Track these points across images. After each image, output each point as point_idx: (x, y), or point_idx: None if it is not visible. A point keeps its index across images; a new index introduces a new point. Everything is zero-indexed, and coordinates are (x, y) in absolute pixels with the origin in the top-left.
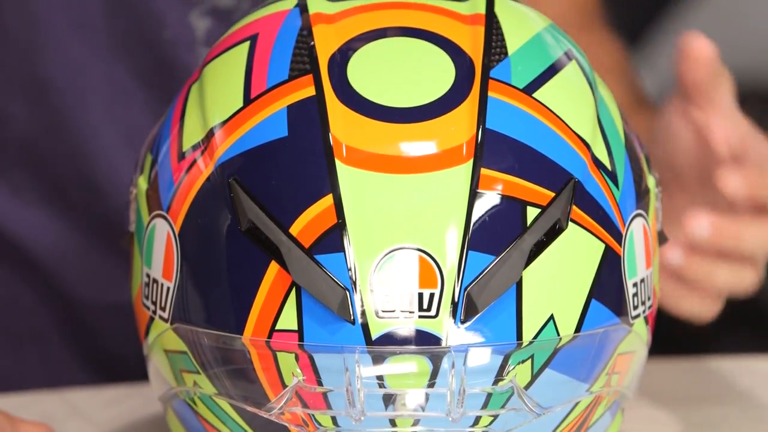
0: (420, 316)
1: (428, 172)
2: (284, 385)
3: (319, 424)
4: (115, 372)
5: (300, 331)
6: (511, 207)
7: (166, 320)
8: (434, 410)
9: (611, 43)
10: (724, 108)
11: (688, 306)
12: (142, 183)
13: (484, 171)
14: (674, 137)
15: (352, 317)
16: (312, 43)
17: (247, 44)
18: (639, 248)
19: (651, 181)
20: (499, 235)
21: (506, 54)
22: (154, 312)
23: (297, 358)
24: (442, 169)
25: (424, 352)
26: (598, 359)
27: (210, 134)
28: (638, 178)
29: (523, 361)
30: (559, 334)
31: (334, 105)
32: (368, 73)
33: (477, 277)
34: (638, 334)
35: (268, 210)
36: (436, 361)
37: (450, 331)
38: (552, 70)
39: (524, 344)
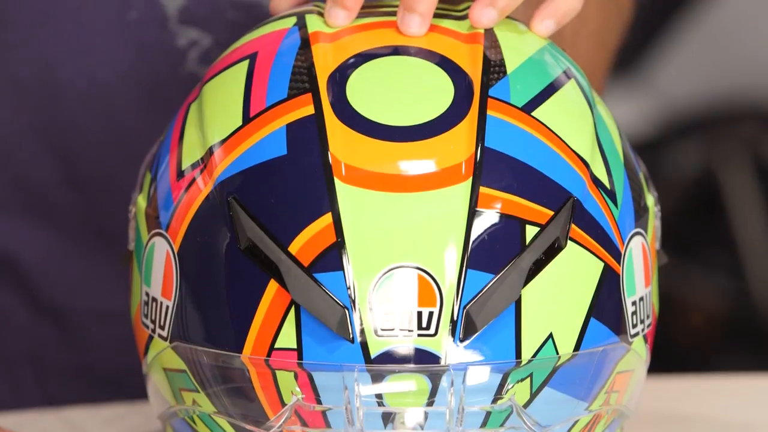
0: (419, 335)
1: (427, 190)
2: (283, 404)
3: None
4: (112, 385)
5: (299, 350)
6: (510, 225)
7: (165, 339)
8: (433, 429)
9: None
10: None
11: None
12: (141, 201)
13: (483, 189)
14: None
15: (351, 336)
16: (311, 61)
17: (246, 63)
18: (638, 267)
19: (650, 200)
20: (498, 254)
21: (505, 73)
22: (153, 330)
23: (296, 376)
24: (441, 188)
25: (423, 371)
26: (597, 378)
27: (209, 153)
28: (637, 196)
29: (522, 380)
30: (558, 353)
31: (333, 123)
32: (367, 91)
33: (476, 296)
34: (637, 353)
35: (267, 228)
36: (435, 379)
37: (449, 349)
38: (551, 89)
39: (523, 363)
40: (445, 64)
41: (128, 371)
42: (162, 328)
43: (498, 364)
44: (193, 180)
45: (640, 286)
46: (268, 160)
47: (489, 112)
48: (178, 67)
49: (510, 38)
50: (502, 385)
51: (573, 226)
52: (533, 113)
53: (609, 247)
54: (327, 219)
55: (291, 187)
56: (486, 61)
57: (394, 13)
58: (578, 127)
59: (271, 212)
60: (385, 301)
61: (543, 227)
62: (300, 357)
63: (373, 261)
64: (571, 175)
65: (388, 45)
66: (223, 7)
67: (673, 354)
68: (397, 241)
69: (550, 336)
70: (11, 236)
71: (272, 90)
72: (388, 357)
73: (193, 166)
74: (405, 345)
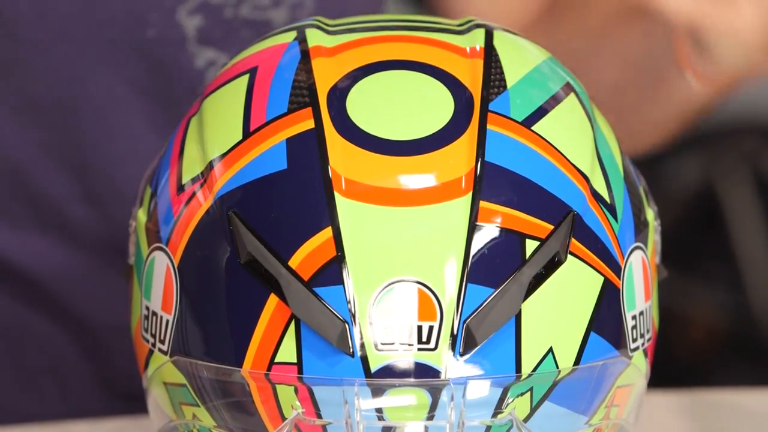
0: (419, 349)
1: (427, 204)
2: (283, 418)
3: None
4: (133, 397)
5: (299, 364)
6: (510, 240)
7: (165, 353)
8: None
9: None
10: None
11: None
12: (141, 216)
13: (483, 204)
14: None
15: (351, 350)
16: (311, 76)
17: (246, 77)
18: (638, 281)
19: (650, 214)
20: (498, 268)
21: (505, 87)
22: (154, 345)
23: (296, 390)
24: (441, 202)
25: (423, 385)
26: (597, 392)
27: (209, 167)
28: (637, 210)
29: (522, 394)
30: (558, 367)
31: (333, 138)
32: (367, 106)
33: (476, 310)
34: (637, 367)
35: (267, 243)
36: (435, 393)
37: (449, 363)
38: (551, 103)
39: (523, 377)
40: (445, 78)
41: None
42: (162, 342)
43: (498, 378)
44: (193, 194)
45: (640, 301)
46: (268, 174)
47: (489, 127)
48: (196, 87)
49: (510, 52)
50: (502, 400)
51: (573, 240)
52: (533, 127)
53: (609, 261)
54: (327, 233)
55: (291, 201)
56: (486, 75)
57: (393, 28)
58: (578, 142)
59: (271, 226)
60: (385, 316)
61: (543, 241)
62: (300, 371)
63: (373, 275)
64: (571, 190)
65: (388, 59)
66: (237, 26)
67: (673, 368)
68: (397, 256)
69: (550, 350)
70: (30, 252)
71: (272, 104)
72: (388, 371)
73: (193, 180)
74: (405, 359)
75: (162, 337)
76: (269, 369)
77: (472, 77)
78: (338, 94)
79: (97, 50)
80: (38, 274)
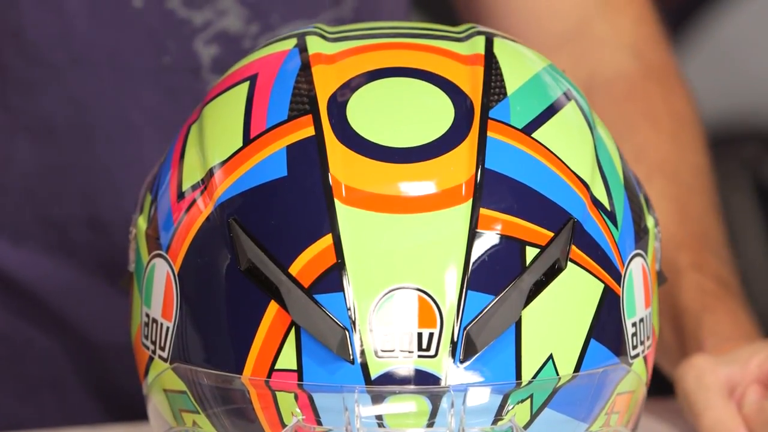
0: (419, 356)
1: (427, 212)
2: (284, 425)
3: None
4: (134, 413)
5: (299, 371)
6: (510, 247)
7: (165, 360)
8: None
9: (669, 116)
10: None
11: None
12: (142, 223)
13: (483, 211)
14: None
15: (351, 357)
16: (311, 83)
17: (246, 84)
18: (638, 288)
19: (650, 221)
20: (498, 275)
21: (505, 94)
22: (154, 352)
23: (296, 397)
24: (441, 209)
25: (423, 392)
26: (597, 399)
27: (209, 174)
28: (637, 218)
29: (523, 401)
30: (558, 374)
31: (333, 145)
32: (367, 113)
33: (476, 317)
34: (637, 374)
35: (267, 250)
36: (435, 400)
37: (449, 370)
38: (551, 110)
39: (523, 384)
40: (446, 85)
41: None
42: (162, 349)
43: (498, 386)
44: (194, 201)
45: (640, 308)
46: (269, 181)
47: (489, 134)
48: None
49: (510, 60)
50: (502, 407)
51: (573, 247)
52: (533, 135)
53: (609, 268)
54: (327, 240)
55: (291, 208)
56: (486, 82)
57: (394, 35)
58: (578, 149)
59: (271, 233)
60: (385, 323)
61: (543, 248)
62: (300, 378)
63: (373, 282)
64: (572, 197)
65: (389, 66)
66: None
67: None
68: (398, 263)
69: (551, 357)
70: (33, 269)
71: (272, 111)
72: (388, 378)
73: (194, 187)
74: (405, 366)
75: (162, 344)
76: (269, 376)
77: (472, 84)
78: (338, 102)
79: (113, 76)
80: (41, 291)
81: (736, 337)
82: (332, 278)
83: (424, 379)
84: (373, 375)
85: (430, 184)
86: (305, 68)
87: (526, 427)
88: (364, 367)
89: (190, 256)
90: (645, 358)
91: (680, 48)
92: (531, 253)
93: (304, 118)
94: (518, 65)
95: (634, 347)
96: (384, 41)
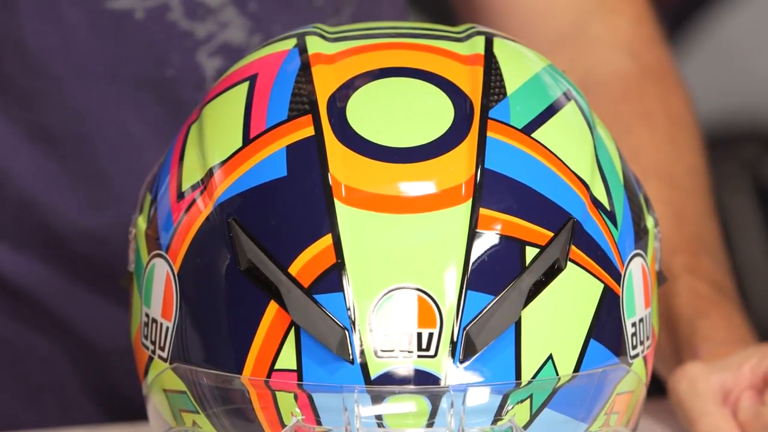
0: (419, 356)
1: (427, 212)
2: (283, 425)
3: None
4: (135, 417)
5: (299, 371)
6: (510, 247)
7: (165, 360)
8: None
9: (663, 117)
10: None
11: None
12: (141, 223)
13: (483, 211)
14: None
15: (351, 357)
16: (311, 83)
17: (246, 84)
18: (638, 288)
19: (650, 221)
20: (498, 275)
21: (505, 94)
22: (153, 352)
23: (296, 397)
24: (441, 209)
25: (423, 392)
26: (597, 399)
27: (209, 174)
28: (637, 218)
29: (522, 401)
30: (558, 374)
31: (333, 145)
32: (367, 113)
33: (476, 317)
34: (637, 374)
35: (267, 250)
36: (435, 400)
37: (449, 370)
38: (551, 110)
39: (523, 384)
40: (445, 85)
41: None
42: (162, 349)
43: (498, 386)
44: (193, 201)
45: (640, 308)
46: (268, 181)
47: (489, 134)
48: None
49: (510, 60)
50: (502, 407)
51: (573, 247)
52: (533, 135)
53: (609, 268)
54: (327, 240)
55: (291, 208)
56: (486, 82)
57: (393, 35)
58: (578, 149)
59: (271, 233)
60: (385, 323)
61: (543, 248)
62: (300, 378)
63: (373, 282)
64: (571, 197)
65: (388, 67)
66: None
67: None
68: (397, 263)
69: (550, 357)
70: (34, 275)
71: (272, 111)
72: (388, 378)
73: (193, 187)
74: (405, 366)
75: (162, 344)
76: (269, 376)
77: (472, 84)
78: (338, 102)
79: (115, 87)
80: (42, 295)
81: (730, 342)
82: (332, 278)
83: (423, 379)
84: (373, 375)
85: (430, 184)
86: (305, 68)
87: (525, 427)
88: (364, 367)
89: (190, 256)
90: (645, 358)
91: (680, 48)
92: (531, 253)
93: (304, 118)
94: (518, 65)
95: (634, 347)
96: (384, 41)
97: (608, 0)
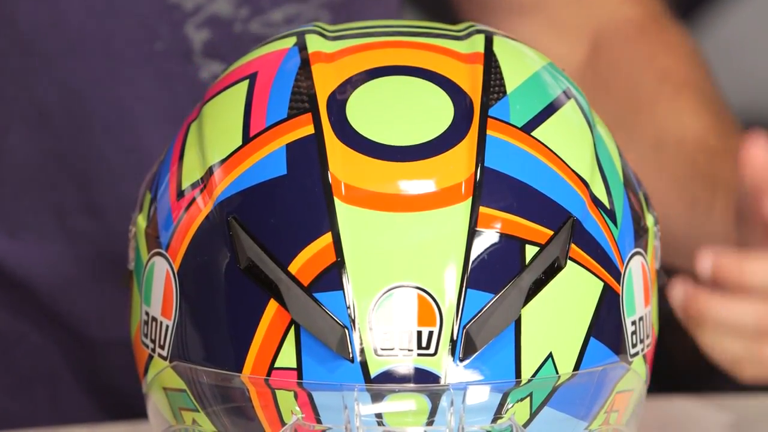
0: (419, 354)
1: (427, 210)
2: (283, 423)
3: None
4: (127, 410)
5: (299, 369)
6: (509, 245)
7: (165, 358)
8: None
9: (681, 47)
10: None
11: (711, 343)
12: (141, 221)
13: (482, 209)
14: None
15: (351, 355)
16: (311, 81)
17: (246, 83)
18: (638, 286)
19: (650, 220)
20: (497, 273)
21: (505, 93)
22: (153, 350)
23: (296, 396)
24: (440, 208)
25: (422, 390)
26: (596, 397)
27: (209, 172)
28: (637, 216)
29: (522, 399)
30: (557, 372)
31: (333, 143)
32: (367, 111)
33: (476, 315)
34: (637, 372)
35: (267, 248)
36: (434, 398)
37: (449, 369)
38: (550, 109)
39: (523, 382)
40: (445, 84)
41: (140, 395)
42: (162, 347)
43: (498, 384)
44: (193, 200)
45: (639, 306)
46: (268, 179)
47: (489, 132)
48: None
49: (510, 58)
50: (501, 405)
51: (573, 245)
52: (533, 133)
53: (609, 266)
54: (327, 239)
55: (291, 206)
56: (486, 81)
57: (393, 33)
58: (578, 147)
59: (270, 232)
60: (384, 321)
61: (543, 247)
62: (300, 376)
63: (372, 280)
64: (571, 195)
65: (388, 65)
66: (246, 42)
67: (672, 373)
68: (397, 261)
69: (550, 355)
70: (28, 261)
71: (272, 110)
72: (388, 376)
73: (193, 185)
74: (405, 364)
75: (162, 343)
76: (269, 374)
77: (471, 83)
78: (338, 100)
79: (107, 63)
80: (35, 285)
81: None
82: (332, 277)
83: (423, 378)
84: (373, 373)
85: (430, 182)
86: (305, 66)
87: (525, 425)
88: (364, 365)
89: (190, 254)
90: (645, 357)
91: None
92: (530, 251)
93: (304, 117)
94: (518, 64)
95: (634, 346)
96: (383, 39)
97: None
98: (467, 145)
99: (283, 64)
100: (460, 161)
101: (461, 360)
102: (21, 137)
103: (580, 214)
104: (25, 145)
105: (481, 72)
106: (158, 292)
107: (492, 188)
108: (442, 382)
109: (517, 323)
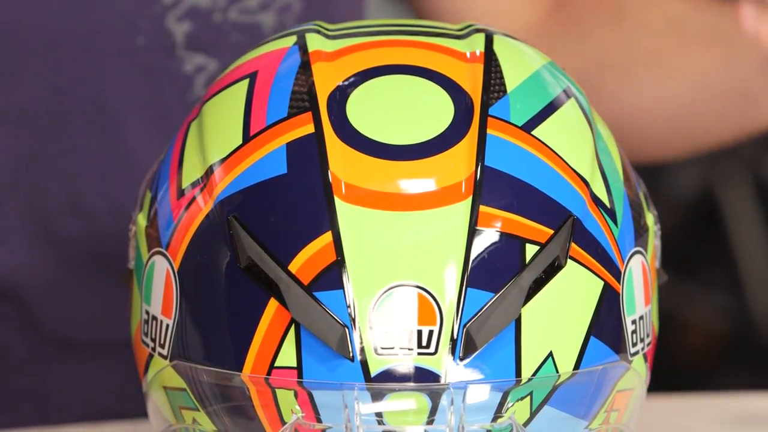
0: (419, 353)
1: (427, 209)
2: (283, 422)
3: None
4: (113, 416)
5: (299, 368)
6: (510, 244)
7: (165, 357)
8: None
9: None
10: None
11: None
12: (142, 220)
13: (483, 208)
14: None
15: (351, 354)
16: (311, 80)
17: (246, 81)
18: (638, 285)
19: (650, 219)
20: (498, 272)
21: (505, 92)
22: (153, 349)
23: (296, 395)
24: (441, 207)
25: (423, 389)
26: (597, 396)
27: (209, 171)
28: (637, 215)
29: (522, 398)
30: (558, 371)
31: (333, 142)
32: (367, 110)
33: (476, 314)
34: (637, 371)
35: (267, 247)
36: (435, 397)
37: (449, 368)
38: (551, 108)
39: (523, 381)
40: (445, 83)
41: (129, 401)
42: (162, 346)
43: (498, 383)
44: (194, 199)
45: (640, 305)
46: (268, 178)
47: (489, 131)
48: (185, 93)
49: (510, 57)
50: (502, 404)
51: (573, 244)
52: (533, 132)
53: (609, 265)
54: (327, 237)
55: (291, 205)
56: (486, 80)
57: (393, 32)
58: (578, 146)
59: (271, 231)
60: (385, 320)
61: (543, 246)
62: (300, 375)
63: (373, 279)
64: (571, 194)
65: (389, 64)
66: (227, 31)
67: (673, 372)
68: (397, 260)
69: (550, 354)
70: (15, 268)
71: (272, 109)
72: (388, 375)
73: (194, 184)
74: (405, 363)
75: (162, 342)
76: (269, 373)
77: (472, 82)
78: (338, 99)
79: (88, 59)
80: (22, 291)
81: None
82: (332, 276)
83: (423, 377)
84: (373, 372)
85: (430, 181)
86: (305, 65)
87: (525, 424)
88: (364, 364)
89: (190, 253)
90: (645, 356)
91: None
92: (531, 250)
93: (304, 116)
94: (518, 63)
95: (634, 345)
96: (384, 38)
97: None
98: (467, 144)
99: (283, 63)
100: (460, 160)
101: (461, 359)
102: (4, 139)
103: (580, 213)
104: (8, 147)
105: (481, 71)
106: (158, 291)
107: (492, 187)
108: (443, 381)
109: (518, 322)
